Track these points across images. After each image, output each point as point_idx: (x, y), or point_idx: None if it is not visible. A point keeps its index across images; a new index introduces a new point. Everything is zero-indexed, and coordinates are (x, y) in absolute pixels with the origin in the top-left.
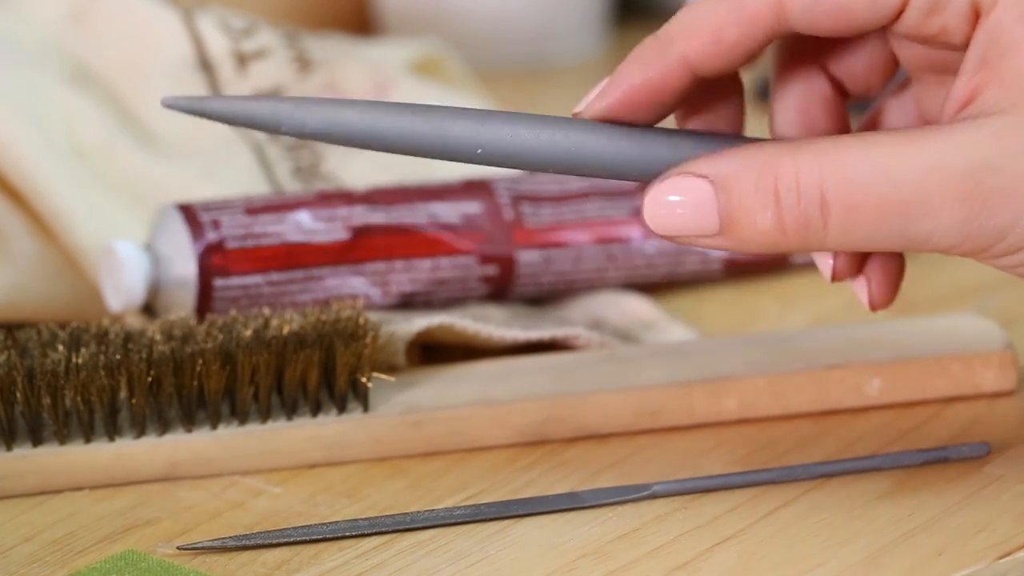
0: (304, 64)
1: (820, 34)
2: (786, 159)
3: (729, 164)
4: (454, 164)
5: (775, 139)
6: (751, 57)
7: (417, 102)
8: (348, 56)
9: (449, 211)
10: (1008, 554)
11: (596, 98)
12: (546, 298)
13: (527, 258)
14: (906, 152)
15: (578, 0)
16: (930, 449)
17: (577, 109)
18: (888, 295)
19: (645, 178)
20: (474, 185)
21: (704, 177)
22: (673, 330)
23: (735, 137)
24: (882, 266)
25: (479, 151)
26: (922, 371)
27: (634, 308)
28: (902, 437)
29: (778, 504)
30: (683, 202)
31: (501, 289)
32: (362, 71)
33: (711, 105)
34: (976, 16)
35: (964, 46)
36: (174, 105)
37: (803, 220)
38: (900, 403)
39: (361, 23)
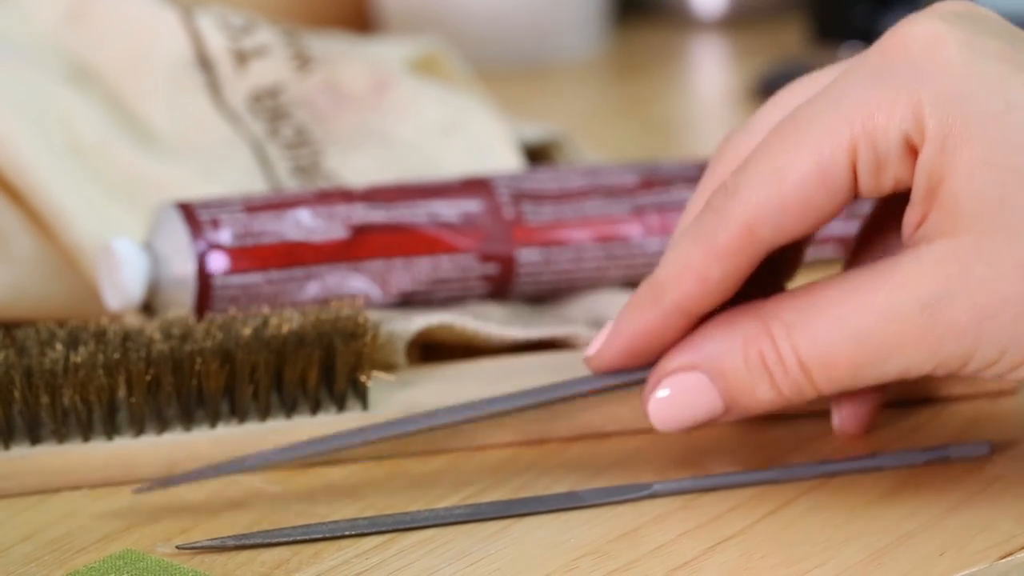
0: (303, 62)
1: (795, 238)
2: (762, 334)
3: (714, 348)
4: (456, 163)
5: (740, 307)
6: (743, 282)
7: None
8: (347, 54)
9: (449, 209)
10: (1010, 554)
11: (603, 348)
12: (546, 296)
13: (527, 256)
14: (860, 301)
15: None
16: (931, 448)
17: (588, 354)
18: (857, 425)
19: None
20: (474, 183)
21: (696, 369)
22: None
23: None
24: (851, 397)
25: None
26: None
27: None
28: (903, 436)
29: (779, 504)
30: (685, 397)
31: (501, 288)
32: (361, 69)
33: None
34: (915, 154)
35: None
36: (143, 491)
37: (795, 385)
38: (901, 402)
39: (361, 21)
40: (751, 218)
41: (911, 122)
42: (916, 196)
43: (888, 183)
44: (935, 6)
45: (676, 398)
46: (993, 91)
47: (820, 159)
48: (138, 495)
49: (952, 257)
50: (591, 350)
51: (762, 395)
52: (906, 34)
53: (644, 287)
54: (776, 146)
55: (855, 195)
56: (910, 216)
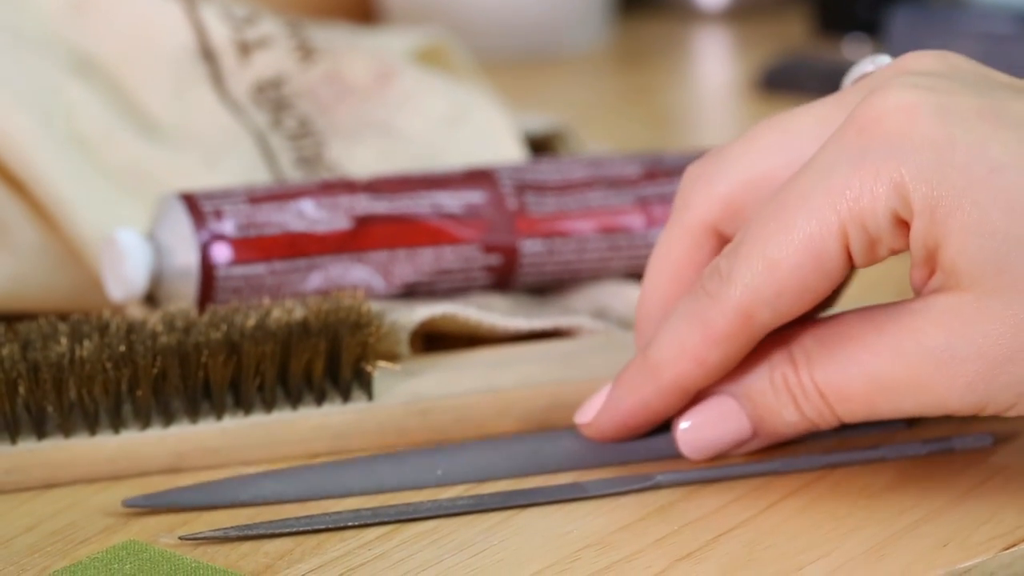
0: (306, 53)
1: (794, 316)
2: (786, 363)
3: (742, 372)
4: (459, 154)
5: (768, 335)
6: (741, 359)
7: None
8: (351, 45)
9: (452, 200)
10: (1013, 545)
11: (599, 418)
12: (549, 287)
13: (530, 247)
14: (873, 341)
15: None
16: (935, 439)
17: (581, 421)
18: None
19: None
20: (477, 174)
21: (724, 392)
22: None
23: None
24: None
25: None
26: None
27: (637, 297)
28: (906, 427)
29: (782, 494)
30: (714, 421)
31: (504, 278)
32: (365, 60)
33: None
34: (906, 226)
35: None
36: (133, 504)
37: (816, 410)
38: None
39: (364, 12)
40: (748, 305)
41: (896, 200)
42: (915, 261)
43: (883, 254)
44: (908, 63)
45: (706, 423)
46: (974, 156)
47: (812, 246)
48: (142, 487)
49: (956, 312)
50: (585, 417)
51: (788, 417)
52: (880, 108)
53: (639, 364)
54: (766, 231)
55: (851, 268)
56: (915, 275)
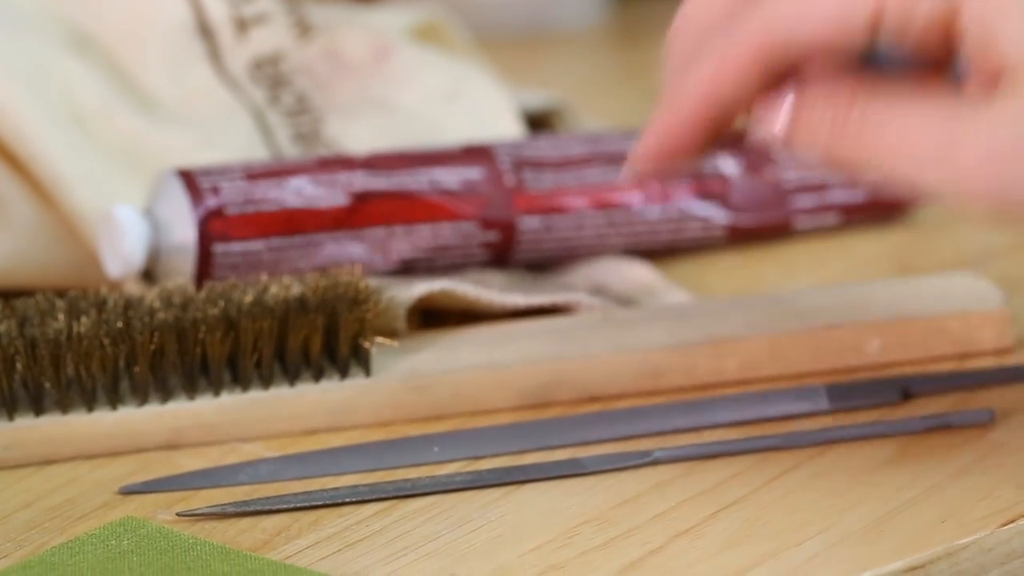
0: (304, 30)
1: (799, 64)
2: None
3: (811, 83)
4: (457, 131)
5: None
6: (757, 92)
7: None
8: (348, 22)
9: (450, 177)
10: (1011, 521)
11: (633, 160)
12: (547, 264)
13: (528, 224)
14: (931, 94)
15: None
16: (933, 416)
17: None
18: None
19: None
20: (475, 151)
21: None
22: (674, 296)
23: None
24: None
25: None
26: (921, 330)
27: (635, 274)
28: (906, 403)
29: (781, 470)
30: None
31: (502, 255)
32: (362, 37)
33: None
34: (943, 29)
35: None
36: (128, 490)
37: (850, 131)
38: (900, 362)
39: None
40: (763, 40)
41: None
42: (972, 70)
43: (910, 41)
44: None
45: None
46: None
47: (845, 8)
48: (139, 464)
49: (1005, 92)
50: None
51: (820, 121)
52: None
53: (663, 102)
54: None
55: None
56: (973, 84)
